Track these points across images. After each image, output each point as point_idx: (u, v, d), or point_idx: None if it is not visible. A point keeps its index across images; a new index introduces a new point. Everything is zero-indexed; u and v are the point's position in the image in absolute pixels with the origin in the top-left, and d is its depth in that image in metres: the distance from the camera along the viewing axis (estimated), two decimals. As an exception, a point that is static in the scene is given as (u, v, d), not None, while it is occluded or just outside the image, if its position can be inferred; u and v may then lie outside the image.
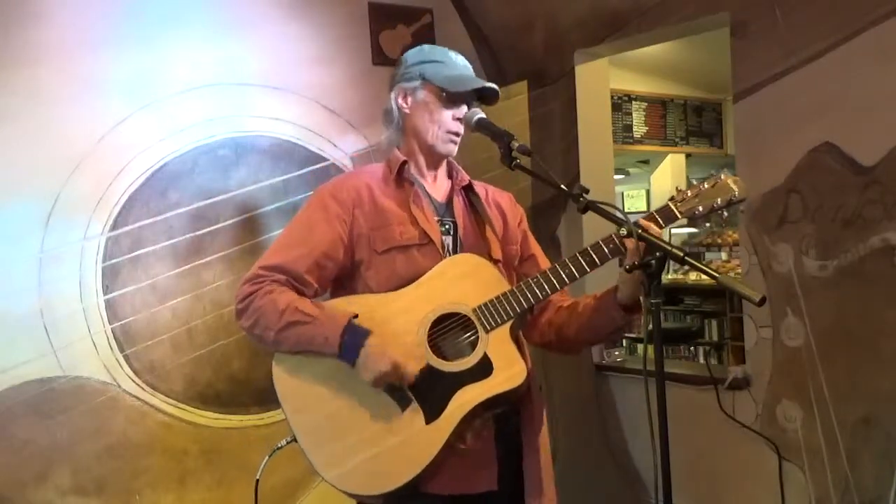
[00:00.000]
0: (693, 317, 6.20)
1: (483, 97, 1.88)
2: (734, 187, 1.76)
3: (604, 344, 3.82)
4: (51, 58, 2.62)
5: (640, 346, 5.50)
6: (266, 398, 2.93)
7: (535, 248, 2.03)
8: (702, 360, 5.63)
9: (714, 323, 6.04)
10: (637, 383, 3.53)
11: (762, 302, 1.48)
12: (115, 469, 2.69)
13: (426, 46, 1.94)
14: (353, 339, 1.71)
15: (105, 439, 2.68)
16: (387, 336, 1.72)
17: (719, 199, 1.75)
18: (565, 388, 3.64)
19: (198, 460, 2.83)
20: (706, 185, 1.77)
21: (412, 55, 1.91)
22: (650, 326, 1.56)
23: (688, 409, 3.17)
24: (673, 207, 1.75)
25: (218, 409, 2.89)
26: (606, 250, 1.73)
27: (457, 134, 1.87)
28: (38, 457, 2.57)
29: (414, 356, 1.71)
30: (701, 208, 1.75)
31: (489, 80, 1.89)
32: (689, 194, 1.76)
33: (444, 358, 1.75)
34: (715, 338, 6.00)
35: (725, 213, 1.84)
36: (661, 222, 1.74)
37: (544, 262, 2.01)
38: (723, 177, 1.77)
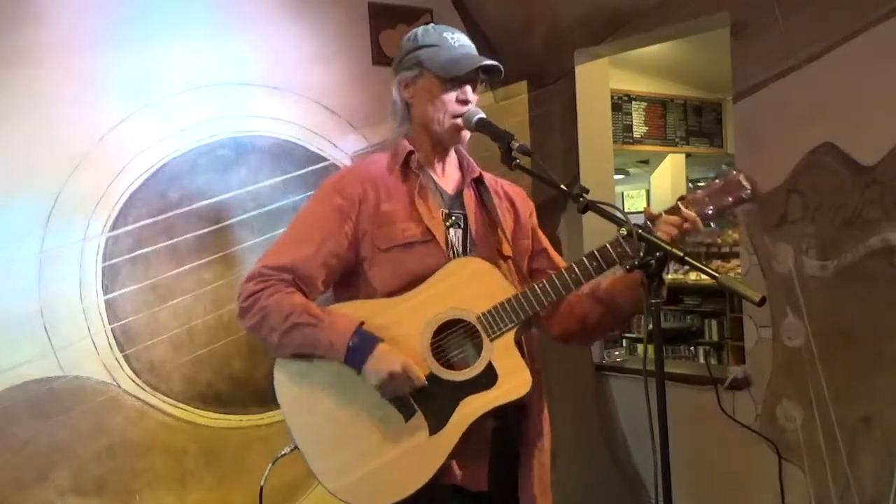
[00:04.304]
0: (693, 317, 6.20)
1: (488, 74, 1.82)
2: (745, 184, 1.67)
3: (604, 343, 3.83)
4: (51, 58, 2.62)
5: (640, 346, 5.51)
6: (266, 398, 2.92)
7: (546, 242, 1.99)
8: (702, 360, 5.62)
9: (714, 323, 6.04)
10: (637, 383, 3.53)
11: (762, 302, 1.47)
12: (115, 469, 2.69)
13: (419, 30, 1.87)
14: (360, 345, 1.67)
15: (105, 439, 2.68)
16: (393, 341, 1.69)
17: (730, 198, 1.67)
18: (565, 388, 3.64)
19: (198, 460, 2.83)
20: (716, 183, 1.69)
21: (407, 42, 1.85)
22: (650, 326, 1.55)
23: (688, 409, 3.17)
24: (682, 208, 1.68)
25: (218, 409, 2.89)
26: (614, 254, 1.68)
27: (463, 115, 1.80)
28: (38, 457, 2.57)
29: (421, 362, 1.69)
30: (712, 208, 1.68)
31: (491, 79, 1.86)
32: (699, 194, 1.69)
33: (449, 366, 1.72)
34: (715, 338, 6.01)
35: (736, 215, 1.75)
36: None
37: (556, 257, 1.97)
38: (734, 173, 1.69)
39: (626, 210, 8.07)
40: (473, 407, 1.69)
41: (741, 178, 1.69)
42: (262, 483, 2.08)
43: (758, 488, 3.11)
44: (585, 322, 1.88)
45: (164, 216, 2.80)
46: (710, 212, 1.68)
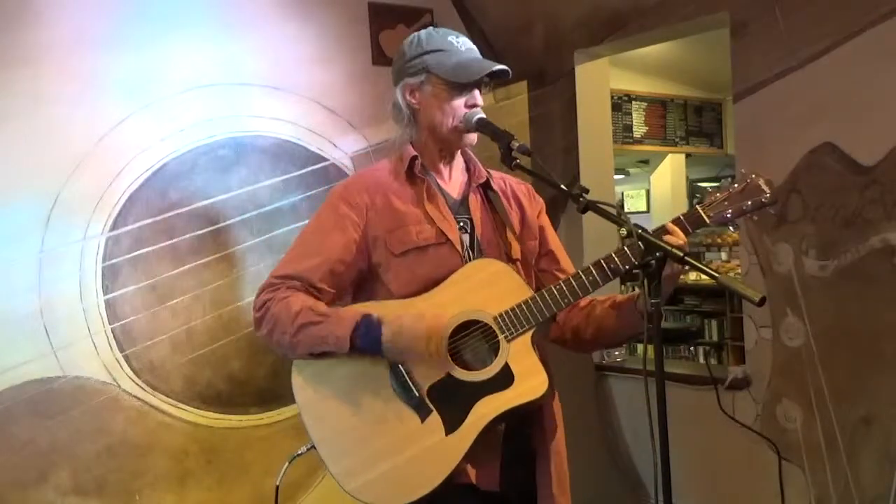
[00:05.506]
0: (693, 317, 6.20)
1: (493, 77, 1.82)
2: (765, 188, 1.68)
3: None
4: (51, 58, 2.62)
5: (640, 346, 5.50)
6: (266, 398, 2.94)
7: (554, 242, 1.97)
8: (702, 360, 5.63)
9: (714, 323, 6.04)
10: (637, 383, 3.53)
11: (762, 302, 1.47)
12: (115, 469, 2.69)
13: (423, 34, 1.84)
14: (368, 331, 1.67)
15: (105, 439, 2.68)
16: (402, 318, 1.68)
17: (750, 202, 1.68)
18: (565, 388, 3.63)
19: (198, 460, 2.83)
20: (736, 187, 1.69)
21: (410, 47, 1.83)
22: (650, 326, 1.55)
23: (688, 409, 3.17)
24: (701, 212, 1.69)
25: (218, 409, 2.89)
26: (631, 255, 1.67)
27: None
28: (38, 457, 2.57)
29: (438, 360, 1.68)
30: (731, 212, 1.68)
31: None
32: (718, 197, 1.70)
33: (465, 366, 1.71)
34: (715, 338, 6.01)
35: (755, 218, 1.74)
36: (688, 228, 1.68)
37: (563, 259, 1.96)
38: (753, 177, 1.69)
39: (626, 210, 8.08)
40: (489, 408, 1.69)
41: (761, 182, 1.69)
42: (277, 482, 2.09)
43: (758, 488, 3.11)
44: (577, 335, 1.90)
45: (164, 216, 2.80)
46: (728, 215, 1.69)
